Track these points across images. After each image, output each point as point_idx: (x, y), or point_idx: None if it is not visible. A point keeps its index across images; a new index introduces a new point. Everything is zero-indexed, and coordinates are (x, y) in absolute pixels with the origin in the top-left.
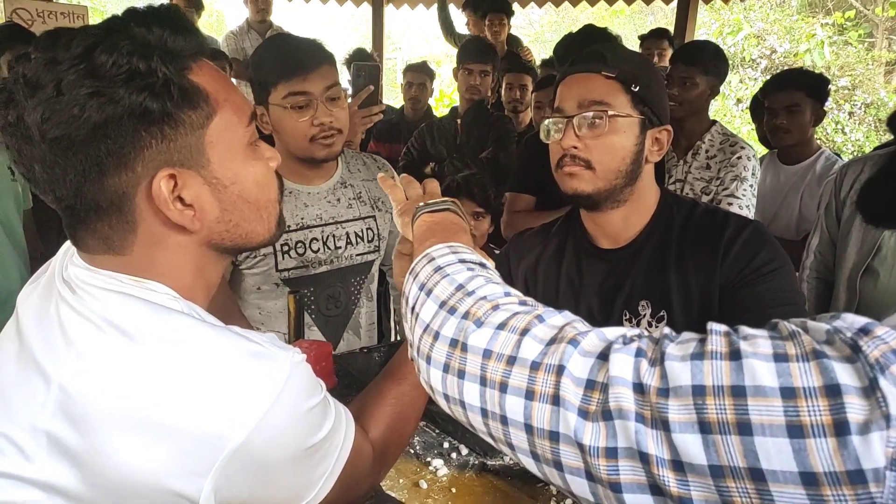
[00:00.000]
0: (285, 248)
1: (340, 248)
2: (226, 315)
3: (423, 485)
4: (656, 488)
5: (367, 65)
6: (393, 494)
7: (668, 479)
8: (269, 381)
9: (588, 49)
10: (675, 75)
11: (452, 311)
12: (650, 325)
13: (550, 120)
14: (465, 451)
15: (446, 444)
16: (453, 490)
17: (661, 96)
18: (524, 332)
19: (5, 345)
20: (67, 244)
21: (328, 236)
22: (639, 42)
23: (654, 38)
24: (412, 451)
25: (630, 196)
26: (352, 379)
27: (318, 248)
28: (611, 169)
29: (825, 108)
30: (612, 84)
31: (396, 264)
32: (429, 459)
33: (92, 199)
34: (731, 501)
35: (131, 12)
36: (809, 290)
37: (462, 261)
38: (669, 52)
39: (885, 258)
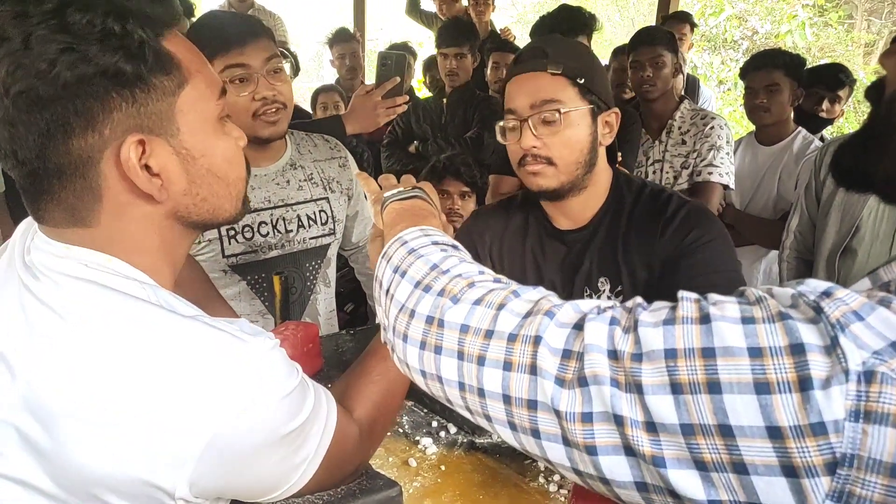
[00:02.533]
0: (231, 232)
1: (291, 231)
2: (204, 299)
3: (413, 463)
4: (630, 449)
5: (393, 54)
6: (383, 472)
7: (642, 439)
8: (240, 369)
9: (528, 46)
10: (642, 58)
11: (427, 289)
12: (609, 299)
13: (504, 121)
14: (453, 429)
15: (434, 423)
16: (442, 468)
17: (604, 82)
18: (500, 306)
19: None
20: (25, 224)
21: (278, 219)
22: (660, 23)
23: (675, 20)
24: (401, 431)
25: (589, 181)
26: (338, 360)
27: (268, 233)
28: (571, 161)
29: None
30: (558, 80)
31: (371, 248)
32: (418, 438)
33: (56, 162)
34: (701, 457)
35: None
36: (789, 270)
37: (434, 242)
38: (690, 38)
39: (864, 238)
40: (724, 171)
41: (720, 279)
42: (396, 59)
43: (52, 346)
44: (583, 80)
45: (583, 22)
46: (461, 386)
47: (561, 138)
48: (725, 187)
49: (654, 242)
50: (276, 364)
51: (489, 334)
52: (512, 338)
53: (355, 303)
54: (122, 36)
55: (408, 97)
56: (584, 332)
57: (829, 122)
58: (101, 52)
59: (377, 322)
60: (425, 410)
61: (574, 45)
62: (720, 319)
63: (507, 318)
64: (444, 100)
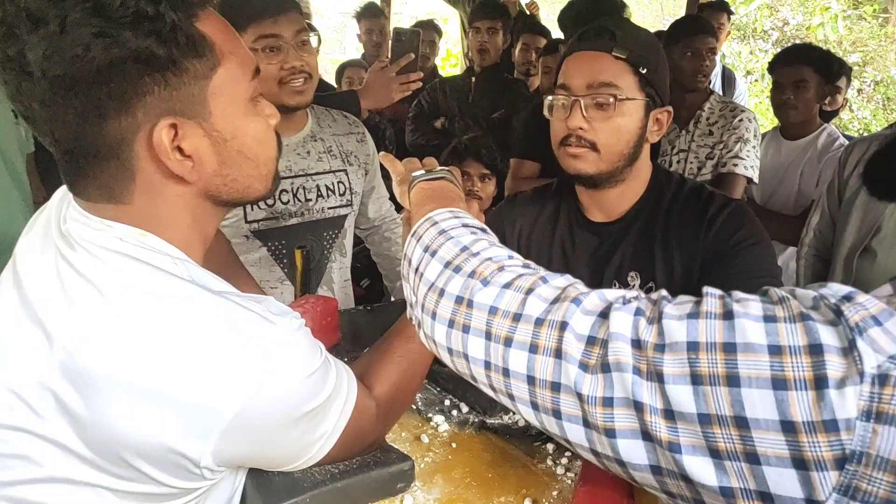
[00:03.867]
0: None
1: (311, 200)
2: (229, 270)
3: (425, 439)
4: (647, 434)
5: (407, 30)
6: (396, 447)
7: (660, 425)
8: (267, 349)
9: (597, 24)
10: (702, 47)
11: (457, 269)
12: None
13: (555, 96)
14: (465, 409)
15: (447, 402)
16: (453, 445)
17: (665, 77)
18: (529, 291)
19: (4, 297)
20: (61, 191)
21: (298, 188)
22: (688, 10)
23: (712, 10)
24: (414, 408)
25: (628, 175)
26: (356, 335)
27: (288, 200)
28: (615, 151)
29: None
30: (621, 65)
31: (405, 228)
32: (430, 415)
33: (91, 142)
34: (716, 446)
35: None
36: (806, 268)
37: (465, 225)
38: (727, 28)
39: (884, 239)
40: (750, 164)
41: (760, 284)
42: (410, 36)
43: (87, 316)
44: (645, 71)
45: (611, 6)
46: (487, 365)
47: (610, 125)
48: (749, 181)
49: (697, 239)
50: (300, 344)
51: (517, 317)
52: (539, 322)
53: (371, 278)
54: (154, 18)
55: (421, 74)
56: (609, 320)
57: (834, 114)
58: (134, 35)
59: (393, 299)
60: (438, 389)
61: (642, 34)
62: (743, 316)
63: (535, 303)
64: (473, 79)
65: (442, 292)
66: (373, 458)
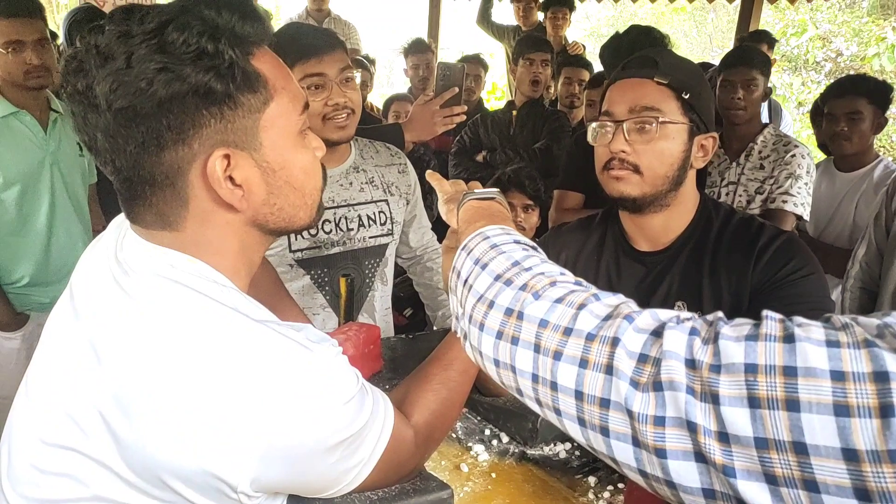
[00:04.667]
0: None
1: (353, 230)
2: (274, 297)
3: (465, 468)
4: (701, 456)
5: (452, 65)
6: (435, 475)
7: (714, 448)
8: (305, 376)
9: (640, 54)
10: (736, 79)
11: (508, 282)
12: None
13: (598, 122)
14: (505, 438)
15: (487, 432)
16: (493, 475)
17: (709, 104)
18: (581, 306)
19: (61, 320)
20: (118, 220)
21: (340, 218)
22: (735, 42)
23: (752, 40)
24: (454, 436)
25: (673, 200)
26: (397, 363)
27: (331, 230)
28: (658, 174)
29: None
30: (663, 90)
31: (445, 258)
32: (470, 445)
33: (148, 171)
34: (773, 471)
35: None
36: (852, 300)
37: (516, 241)
38: (771, 57)
39: None
40: (800, 201)
41: (812, 317)
42: (455, 70)
43: (135, 339)
44: (687, 96)
45: (652, 41)
46: (535, 378)
47: (652, 148)
48: (799, 218)
49: (747, 271)
50: (338, 372)
51: (568, 331)
52: (590, 337)
53: (414, 307)
54: (213, 55)
55: (465, 107)
56: (662, 338)
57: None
58: (195, 71)
59: (435, 329)
60: (479, 418)
61: (684, 61)
62: (805, 340)
63: (587, 318)
64: (514, 112)
65: (492, 304)
66: (412, 485)
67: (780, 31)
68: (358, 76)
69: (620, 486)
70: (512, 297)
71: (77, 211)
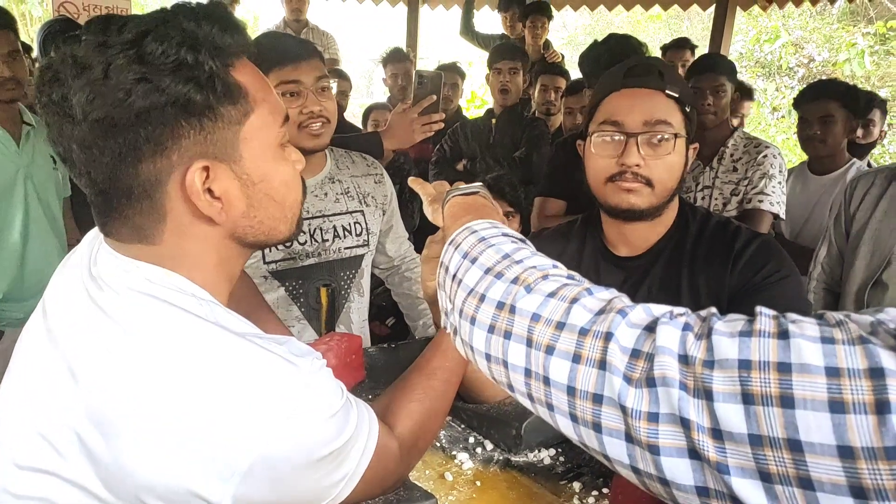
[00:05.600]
0: None
1: (328, 240)
2: (254, 310)
3: (449, 477)
4: (694, 452)
5: (430, 73)
6: (419, 485)
7: (707, 444)
8: (288, 391)
9: (642, 63)
10: (705, 85)
11: (499, 276)
12: None
13: (605, 132)
14: (489, 446)
15: (471, 439)
16: (478, 483)
17: (696, 114)
18: (573, 300)
19: (34, 338)
20: (91, 235)
21: (315, 229)
22: (661, 51)
23: (676, 48)
24: (438, 445)
25: (665, 209)
26: (378, 373)
27: (305, 241)
28: (667, 187)
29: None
30: (671, 104)
31: (425, 267)
32: (454, 453)
33: (125, 183)
34: (767, 469)
35: (181, 6)
36: (816, 301)
37: (505, 234)
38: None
39: None
40: (775, 199)
41: None
42: (432, 79)
43: (112, 357)
44: (689, 109)
45: (633, 50)
46: (527, 372)
47: (665, 162)
48: (776, 217)
49: (724, 274)
50: (322, 385)
51: (560, 326)
52: (583, 332)
53: (397, 317)
54: (193, 66)
55: (443, 115)
56: (655, 334)
57: (871, 146)
58: (174, 82)
59: (417, 337)
60: (462, 426)
61: (675, 70)
62: (799, 336)
63: (580, 313)
64: (493, 120)
65: (483, 297)
66: (396, 496)
67: (754, 38)
68: (334, 86)
69: (605, 490)
70: (503, 291)
71: (52, 225)
